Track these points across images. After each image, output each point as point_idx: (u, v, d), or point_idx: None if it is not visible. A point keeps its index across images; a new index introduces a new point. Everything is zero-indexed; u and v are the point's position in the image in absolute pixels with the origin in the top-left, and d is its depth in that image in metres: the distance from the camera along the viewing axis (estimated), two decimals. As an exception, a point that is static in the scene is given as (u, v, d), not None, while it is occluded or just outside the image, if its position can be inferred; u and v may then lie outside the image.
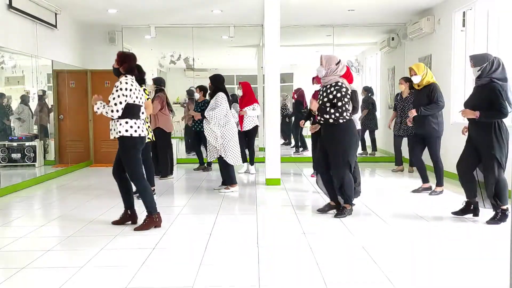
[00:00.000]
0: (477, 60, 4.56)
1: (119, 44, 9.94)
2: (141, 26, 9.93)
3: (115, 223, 4.64)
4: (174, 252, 3.82)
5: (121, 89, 4.29)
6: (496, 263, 3.49)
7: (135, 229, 4.43)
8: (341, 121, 4.71)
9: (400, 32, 9.98)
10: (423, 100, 5.81)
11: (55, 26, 8.39)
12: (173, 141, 9.59)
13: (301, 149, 11.19)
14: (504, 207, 4.54)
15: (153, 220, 4.48)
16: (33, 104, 8.39)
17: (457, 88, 7.54)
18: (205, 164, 8.69)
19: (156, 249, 3.86)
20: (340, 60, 4.85)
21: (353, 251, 3.80)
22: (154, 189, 5.93)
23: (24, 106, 8.27)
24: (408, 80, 7.50)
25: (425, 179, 6.21)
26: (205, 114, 6.13)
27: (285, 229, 4.54)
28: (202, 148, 8.46)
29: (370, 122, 9.98)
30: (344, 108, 4.70)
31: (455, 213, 4.88)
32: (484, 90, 4.51)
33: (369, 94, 10.12)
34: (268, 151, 7.08)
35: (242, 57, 13.82)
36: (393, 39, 10.25)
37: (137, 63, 4.64)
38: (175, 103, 12.63)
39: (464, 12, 7.51)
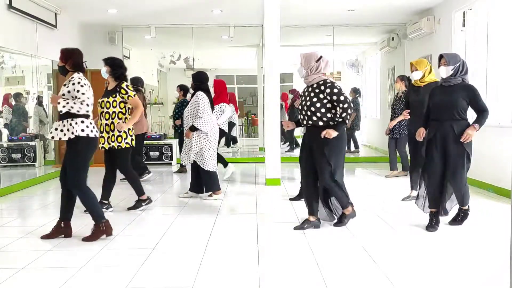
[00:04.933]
0: (450, 58, 4.43)
1: (119, 44, 9.94)
2: (141, 26, 9.93)
3: (45, 237, 4.18)
4: (174, 252, 3.82)
5: (84, 84, 4.05)
6: (496, 263, 3.49)
7: (83, 239, 4.11)
8: (331, 122, 4.29)
9: (400, 32, 9.98)
10: (425, 99, 5.23)
11: (55, 26, 8.39)
12: (173, 141, 9.64)
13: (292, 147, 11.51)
14: (466, 207, 4.62)
15: (99, 229, 4.14)
16: (32, 103, 8.41)
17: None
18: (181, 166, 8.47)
19: (156, 249, 3.86)
20: (321, 57, 4.37)
21: (353, 251, 3.80)
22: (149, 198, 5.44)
23: (39, 106, 8.36)
24: (403, 78, 7.20)
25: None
26: (195, 125, 5.64)
27: (285, 229, 4.53)
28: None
29: (357, 122, 10.70)
30: (348, 101, 4.25)
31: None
32: (458, 90, 4.38)
33: (357, 95, 10.76)
34: (268, 151, 7.07)
35: (242, 57, 13.82)
36: (393, 39, 10.26)
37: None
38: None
39: (464, 12, 7.51)
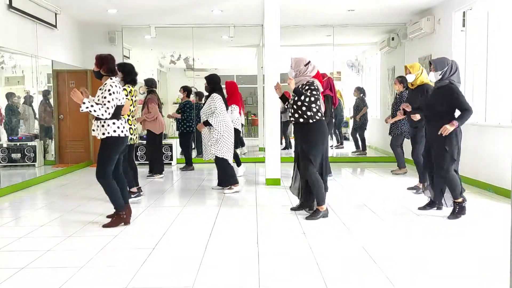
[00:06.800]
0: (437, 64, 4.80)
1: (119, 44, 9.94)
2: (141, 26, 9.93)
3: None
4: (174, 252, 3.82)
5: (113, 92, 4.41)
6: (496, 263, 3.50)
7: (103, 226, 4.56)
8: (311, 120, 4.73)
9: (400, 32, 9.98)
10: (416, 100, 5.70)
11: (55, 26, 8.39)
12: (173, 141, 9.64)
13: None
14: (459, 200, 4.79)
15: (120, 217, 4.59)
16: (34, 104, 8.42)
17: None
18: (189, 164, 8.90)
19: (156, 249, 3.86)
20: (309, 62, 4.87)
21: (353, 251, 3.81)
22: (140, 188, 6.05)
23: (27, 106, 8.32)
24: (402, 80, 7.35)
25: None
26: (210, 121, 6.16)
27: (285, 229, 4.54)
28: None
29: (364, 121, 10.52)
30: (312, 101, 4.68)
31: (421, 208, 5.17)
32: (442, 92, 4.77)
33: (361, 95, 10.70)
34: (268, 151, 7.07)
35: (242, 57, 13.83)
36: (393, 39, 10.26)
37: (133, 63, 4.62)
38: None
39: (464, 12, 7.51)
